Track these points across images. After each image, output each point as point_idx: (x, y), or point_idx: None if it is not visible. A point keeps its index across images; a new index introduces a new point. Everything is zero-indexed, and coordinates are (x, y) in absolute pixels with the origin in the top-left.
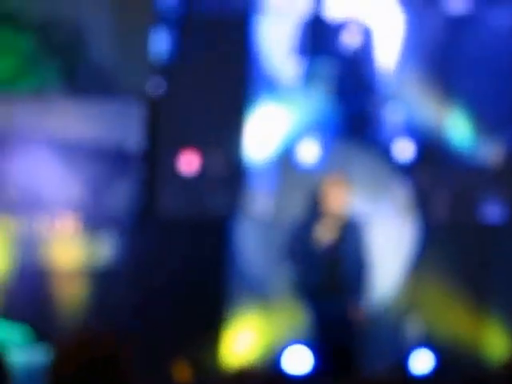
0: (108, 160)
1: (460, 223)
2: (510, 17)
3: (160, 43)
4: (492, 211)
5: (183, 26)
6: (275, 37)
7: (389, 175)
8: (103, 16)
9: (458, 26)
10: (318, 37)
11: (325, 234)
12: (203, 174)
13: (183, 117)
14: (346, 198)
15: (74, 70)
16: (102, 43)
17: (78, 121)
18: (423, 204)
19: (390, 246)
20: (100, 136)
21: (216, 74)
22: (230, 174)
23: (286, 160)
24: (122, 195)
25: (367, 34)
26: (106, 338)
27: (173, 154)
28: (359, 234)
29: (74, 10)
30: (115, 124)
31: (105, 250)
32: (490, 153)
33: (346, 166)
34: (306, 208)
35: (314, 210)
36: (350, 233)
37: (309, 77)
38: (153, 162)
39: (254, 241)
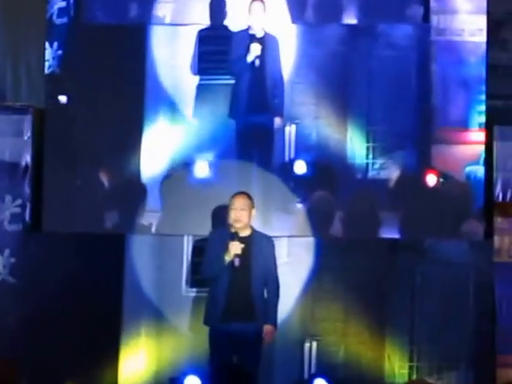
0: None
1: (357, 240)
2: (410, 31)
3: (52, 55)
4: (388, 228)
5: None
6: (172, 49)
7: (284, 192)
8: None
9: (354, 39)
10: (217, 51)
11: (233, 251)
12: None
13: (76, 130)
14: (250, 215)
15: None
16: None
17: None
18: (320, 221)
19: (288, 265)
20: None
21: (112, 88)
22: (124, 189)
23: (181, 177)
24: (10, 209)
25: (266, 48)
26: None
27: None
28: (268, 251)
29: None
30: (5, 136)
31: None
32: (386, 169)
33: (243, 183)
34: (211, 226)
35: (219, 229)
36: (258, 250)
37: (206, 92)
38: (41, 175)
39: (150, 259)
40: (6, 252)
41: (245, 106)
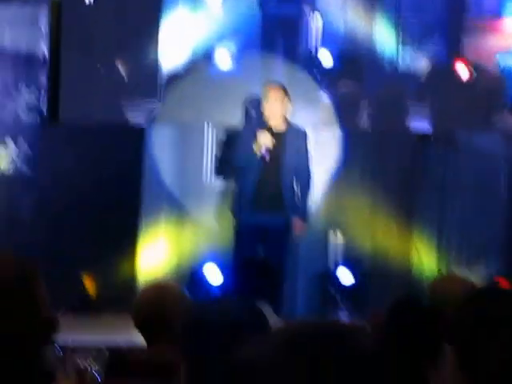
0: (11, 64)
1: (385, 132)
2: None
3: None
4: (417, 120)
5: None
6: None
7: (310, 84)
8: None
9: None
10: None
11: (265, 142)
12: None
13: (93, 17)
14: (285, 106)
15: None
16: None
17: None
18: (347, 113)
19: (314, 157)
20: (3, 39)
21: None
22: (146, 79)
23: (203, 66)
24: (26, 100)
25: None
26: (6, 258)
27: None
28: (301, 143)
29: None
30: (19, 28)
31: (9, 156)
32: (414, 61)
33: (265, 74)
34: (240, 116)
35: (250, 119)
36: (291, 143)
37: None
38: (58, 65)
39: (172, 147)
40: (22, 143)
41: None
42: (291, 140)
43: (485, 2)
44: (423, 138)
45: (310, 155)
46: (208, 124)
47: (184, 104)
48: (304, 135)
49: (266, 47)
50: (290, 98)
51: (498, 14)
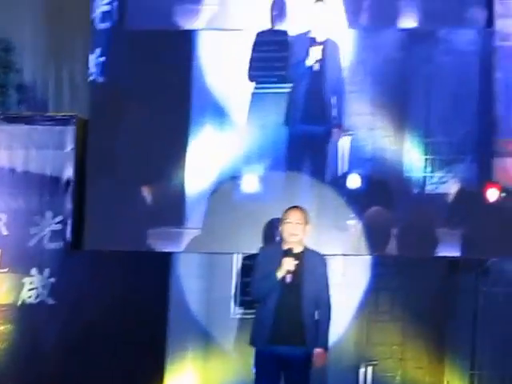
0: (37, 187)
1: (415, 259)
2: (472, 36)
3: (95, 62)
4: (447, 246)
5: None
6: (219, 55)
7: (338, 207)
8: (36, 35)
9: (412, 44)
10: (273, 57)
11: (285, 267)
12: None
13: (120, 141)
14: (305, 230)
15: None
16: (35, 63)
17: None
18: (375, 239)
19: (342, 285)
20: (28, 163)
21: (157, 96)
22: (171, 205)
23: (228, 191)
24: (51, 226)
25: (327, 53)
26: None
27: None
28: (320, 270)
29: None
30: (46, 148)
31: (33, 283)
32: (445, 183)
33: (293, 197)
34: (263, 242)
35: (270, 244)
36: (311, 268)
37: (258, 101)
38: (83, 190)
39: (197, 278)
40: (46, 272)
41: (301, 114)
42: (310, 265)
43: None
44: (454, 264)
45: (329, 283)
46: (236, 253)
47: (212, 232)
48: (324, 262)
49: (293, 169)
50: (308, 221)
51: None
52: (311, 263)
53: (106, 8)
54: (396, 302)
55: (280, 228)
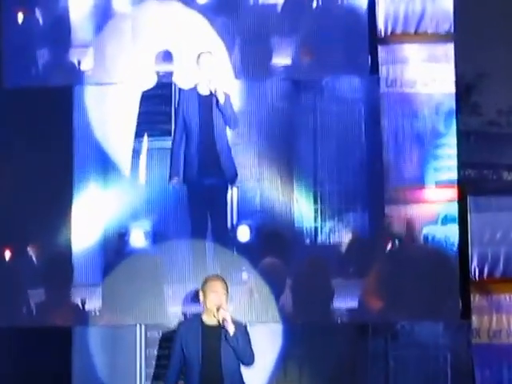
0: None
1: (324, 324)
2: (358, 84)
3: None
4: (343, 295)
5: None
6: (103, 110)
7: (228, 262)
8: None
9: (297, 93)
10: (158, 112)
11: (222, 316)
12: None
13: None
14: (224, 298)
15: None
16: None
17: None
18: (270, 288)
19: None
20: None
21: (40, 153)
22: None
23: (117, 246)
24: None
25: (212, 106)
26: None
27: None
28: (242, 334)
29: None
30: None
31: None
32: (336, 233)
33: (181, 256)
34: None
35: (191, 318)
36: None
37: (147, 154)
38: None
39: (102, 351)
40: None
41: (196, 169)
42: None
43: (406, 171)
44: (362, 328)
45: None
46: (140, 325)
47: (111, 302)
48: (246, 331)
49: (184, 225)
50: (227, 290)
51: (419, 183)
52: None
53: None
54: (304, 369)
55: (201, 297)
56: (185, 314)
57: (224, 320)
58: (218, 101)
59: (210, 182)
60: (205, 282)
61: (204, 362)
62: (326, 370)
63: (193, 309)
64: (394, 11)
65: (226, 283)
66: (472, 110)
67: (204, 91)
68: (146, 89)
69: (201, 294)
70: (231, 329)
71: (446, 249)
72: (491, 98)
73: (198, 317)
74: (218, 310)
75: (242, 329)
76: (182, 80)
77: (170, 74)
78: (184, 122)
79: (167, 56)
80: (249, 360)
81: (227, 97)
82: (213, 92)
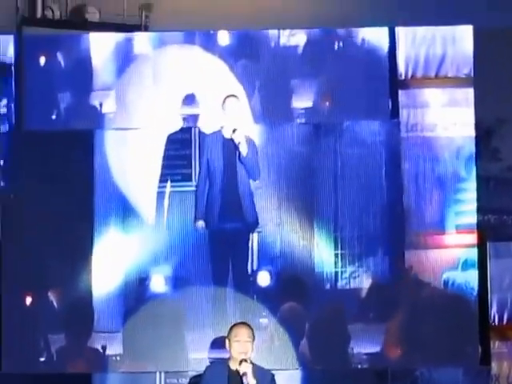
0: None
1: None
2: (378, 128)
3: None
4: (362, 340)
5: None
6: (126, 154)
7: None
8: None
9: (318, 137)
10: (182, 156)
11: (243, 370)
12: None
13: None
14: (252, 347)
15: None
16: None
17: None
18: (289, 334)
19: None
20: None
21: (60, 198)
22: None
23: (138, 291)
24: None
25: (234, 150)
26: None
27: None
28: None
29: None
30: None
31: None
32: (356, 278)
33: (199, 301)
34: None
35: (218, 363)
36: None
37: (166, 199)
38: None
39: None
40: None
41: (218, 213)
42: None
43: (426, 216)
44: (382, 374)
45: None
46: (160, 373)
47: (131, 349)
48: (272, 378)
49: (201, 268)
50: (254, 337)
51: (440, 228)
52: (261, 379)
53: (3, 111)
54: None
55: (227, 345)
56: (209, 360)
57: (244, 374)
58: (240, 153)
59: (231, 226)
60: (230, 330)
61: None
62: None
63: (214, 355)
64: (415, 54)
65: (251, 329)
66: (492, 155)
67: (229, 135)
68: (167, 133)
69: (227, 341)
70: (252, 383)
71: (466, 294)
72: (511, 143)
73: (225, 362)
74: (240, 362)
75: (268, 378)
76: (206, 123)
77: (195, 117)
78: (208, 165)
79: (191, 100)
80: None
81: (250, 149)
82: (236, 144)
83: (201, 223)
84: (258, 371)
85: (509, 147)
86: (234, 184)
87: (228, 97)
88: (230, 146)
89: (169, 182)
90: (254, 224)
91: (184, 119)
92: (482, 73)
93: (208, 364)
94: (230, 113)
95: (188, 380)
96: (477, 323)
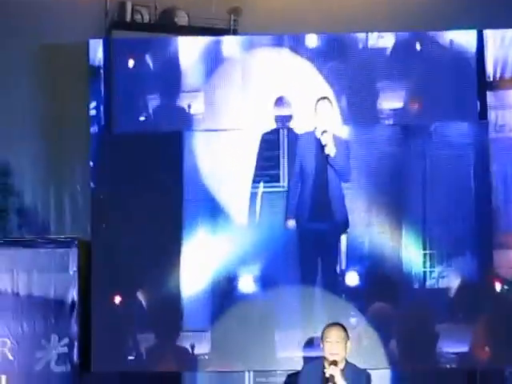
0: (41, 311)
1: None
2: (467, 129)
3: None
4: (450, 340)
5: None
6: (215, 155)
7: (338, 307)
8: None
9: (407, 139)
10: (274, 156)
11: (330, 372)
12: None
13: (119, 255)
14: (346, 347)
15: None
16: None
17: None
18: (378, 334)
19: None
20: (32, 284)
21: (150, 200)
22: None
23: (226, 291)
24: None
25: (324, 152)
26: None
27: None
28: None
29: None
30: (48, 272)
31: None
32: (445, 278)
33: (291, 301)
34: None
35: (314, 362)
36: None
37: (257, 200)
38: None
39: None
40: None
41: (308, 212)
42: (354, 381)
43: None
44: (471, 374)
45: None
46: (249, 372)
47: (221, 347)
48: (368, 377)
49: (290, 268)
50: (348, 337)
51: None
52: (355, 379)
53: (93, 113)
54: None
55: (321, 346)
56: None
57: (331, 376)
58: (328, 154)
59: (320, 227)
60: (323, 331)
61: None
62: None
63: (303, 355)
64: (503, 55)
65: (343, 330)
66: None
67: (319, 136)
68: (258, 134)
69: (320, 341)
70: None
71: None
72: None
73: (320, 361)
74: (330, 363)
75: (362, 377)
76: (298, 125)
77: (286, 118)
78: (300, 166)
79: (283, 101)
80: None
81: (341, 151)
82: (323, 145)
83: (291, 222)
84: (353, 370)
85: None
86: (325, 185)
87: (320, 99)
88: (323, 147)
89: (261, 182)
90: (343, 225)
91: (276, 121)
92: None
93: (304, 363)
94: (322, 114)
95: (279, 378)
96: None
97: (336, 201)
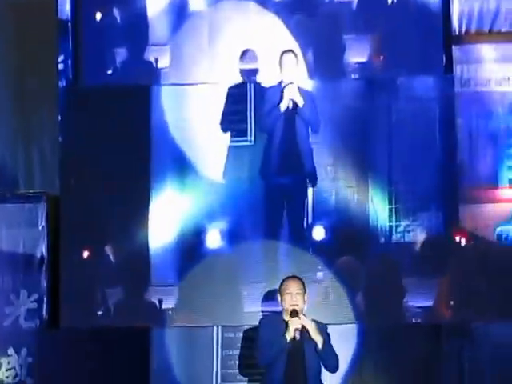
0: (10, 266)
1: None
2: (432, 83)
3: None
4: (416, 293)
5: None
6: (182, 110)
7: (304, 261)
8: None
9: (372, 93)
10: (241, 110)
11: (293, 326)
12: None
13: (88, 210)
14: (304, 300)
15: None
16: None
17: None
18: (344, 288)
19: None
20: (1, 240)
21: (119, 154)
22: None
23: (193, 248)
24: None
25: (292, 104)
26: None
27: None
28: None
29: None
30: (17, 227)
31: (11, 363)
32: (410, 232)
33: (255, 256)
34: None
35: (272, 315)
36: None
37: (225, 154)
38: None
39: (178, 351)
40: (23, 351)
41: (276, 167)
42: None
43: (480, 171)
44: (436, 328)
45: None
46: (217, 327)
47: (189, 302)
48: (325, 330)
49: (256, 223)
50: (306, 289)
51: (493, 183)
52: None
53: (61, 67)
54: (379, 370)
55: (279, 299)
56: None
57: (296, 330)
58: (297, 105)
59: (288, 180)
60: (281, 283)
61: (289, 359)
62: (401, 369)
63: (269, 309)
64: (469, 9)
65: (301, 282)
66: None
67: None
68: (225, 88)
69: (278, 295)
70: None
71: None
72: None
73: (279, 315)
74: (291, 314)
75: (325, 331)
76: (265, 78)
77: (253, 72)
78: (267, 119)
79: (249, 55)
80: (332, 364)
81: (308, 102)
82: (290, 97)
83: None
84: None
85: None
86: (293, 139)
87: (285, 52)
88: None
89: (227, 136)
90: (312, 179)
91: (242, 74)
92: None
93: (261, 317)
94: (287, 67)
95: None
96: None
97: (304, 154)
